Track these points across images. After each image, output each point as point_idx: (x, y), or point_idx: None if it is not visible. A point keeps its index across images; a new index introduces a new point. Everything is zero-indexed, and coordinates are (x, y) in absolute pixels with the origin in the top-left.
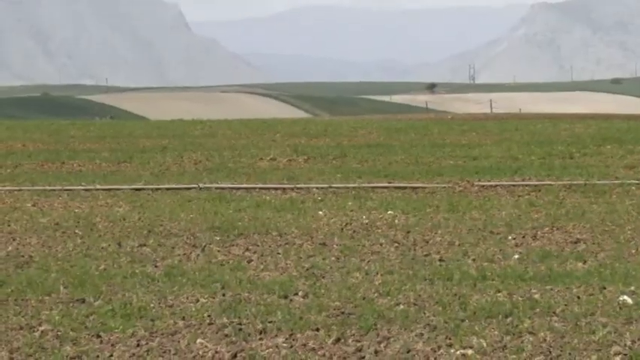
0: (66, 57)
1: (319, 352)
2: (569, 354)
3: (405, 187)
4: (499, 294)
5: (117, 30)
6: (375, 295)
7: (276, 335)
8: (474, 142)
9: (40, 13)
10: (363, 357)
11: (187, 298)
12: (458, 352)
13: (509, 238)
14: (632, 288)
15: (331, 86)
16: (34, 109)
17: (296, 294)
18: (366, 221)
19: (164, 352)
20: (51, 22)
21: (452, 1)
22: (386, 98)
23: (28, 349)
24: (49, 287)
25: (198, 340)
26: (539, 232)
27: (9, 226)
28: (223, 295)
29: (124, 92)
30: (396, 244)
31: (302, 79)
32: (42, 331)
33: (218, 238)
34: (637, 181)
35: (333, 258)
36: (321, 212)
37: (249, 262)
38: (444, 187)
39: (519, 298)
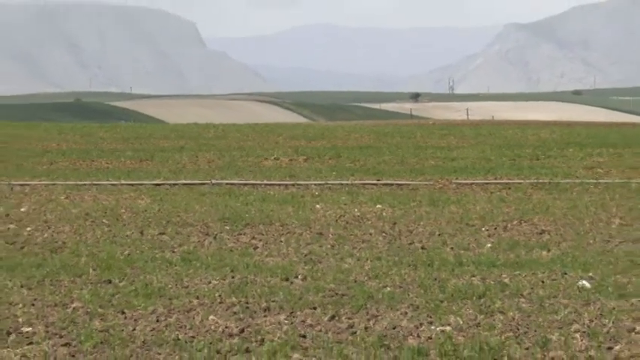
0: (96, 68)
1: (316, 328)
2: (535, 331)
3: (391, 184)
4: (474, 278)
5: (140, 44)
6: (366, 278)
7: (278, 313)
8: (452, 145)
9: (74, 30)
10: (355, 332)
11: (201, 279)
12: (437, 329)
13: (483, 229)
14: (590, 274)
15: (328, 95)
16: (68, 113)
17: (296, 277)
18: (358, 214)
19: (180, 327)
20: (83, 37)
21: (435, 22)
22: (376, 106)
23: (61, 323)
24: (79, 270)
25: (211, 317)
26: (509, 225)
27: (45, 215)
28: (232, 277)
29: (145, 99)
30: (384, 234)
31: (302, 88)
32: (73, 308)
33: (228, 228)
34: (595, 180)
35: (328, 246)
36: (318, 206)
37: (255, 248)
38: (426, 184)
39: (491, 282)
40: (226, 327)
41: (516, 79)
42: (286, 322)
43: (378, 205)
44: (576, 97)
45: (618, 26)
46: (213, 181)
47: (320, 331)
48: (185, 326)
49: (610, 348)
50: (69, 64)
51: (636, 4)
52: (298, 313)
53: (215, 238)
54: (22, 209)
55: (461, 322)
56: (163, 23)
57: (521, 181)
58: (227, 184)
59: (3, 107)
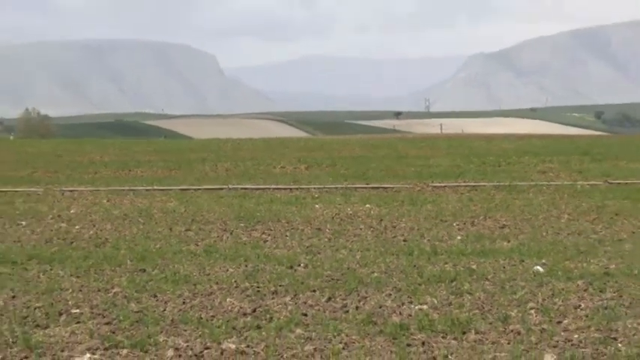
0: (133, 93)
1: (315, 308)
2: (497, 308)
3: (378, 187)
4: (446, 265)
5: (169, 73)
6: (357, 266)
7: (284, 295)
8: (428, 154)
9: (114, 62)
10: (347, 311)
11: (220, 268)
12: (416, 307)
13: (454, 224)
14: (543, 261)
15: (325, 114)
16: (109, 131)
17: (299, 265)
18: (350, 212)
19: (203, 307)
20: (122, 68)
21: (413, 53)
22: (365, 123)
23: (103, 305)
24: (119, 261)
25: (228, 299)
26: (475, 220)
27: (90, 216)
28: (246, 266)
29: (174, 119)
30: (372, 229)
31: (304, 109)
32: (114, 293)
33: (242, 225)
34: (547, 183)
35: (326, 239)
36: (317, 206)
37: (264, 242)
38: (407, 187)
39: (461, 268)
40: (241, 307)
41: (481, 100)
42: (291, 302)
43: (367, 205)
44: (532, 113)
45: (562, 55)
46: (230, 186)
47: (319, 310)
48: (207, 307)
49: (560, 322)
50: (110, 90)
51: (575, 38)
52: (301, 295)
53: (232, 233)
54: (72, 211)
55: (435, 302)
56: (188, 56)
57: (486, 184)
58: (241, 188)
59: (56, 127)
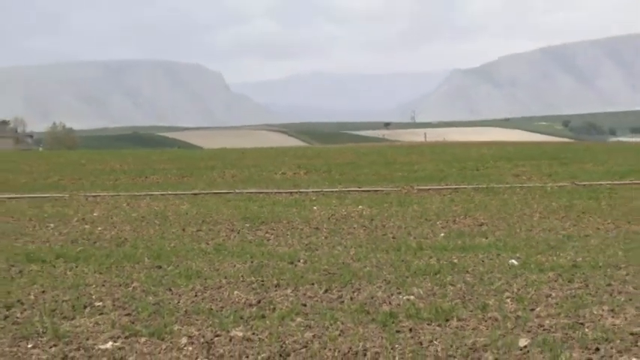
0: (148, 107)
1: (314, 299)
2: (477, 298)
3: (369, 190)
4: (431, 259)
5: (180, 90)
6: (351, 261)
7: (286, 288)
8: (414, 160)
9: (131, 80)
10: (343, 301)
11: (228, 264)
12: (404, 298)
13: (438, 222)
14: (517, 255)
15: (322, 125)
16: (127, 142)
17: (299, 261)
18: (345, 213)
19: (213, 299)
20: (139, 85)
21: (400, 68)
22: (357, 132)
23: (124, 298)
24: (137, 258)
25: (235, 292)
26: (457, 219)
27: (111, 218)
28: (251, 262)
29: (185, 130)
30: (364, 228)
31: (303, 120)
32: (133, 287)
33: (248, 225)
34: (520, 185)
35: (323, 237)
36: (315, 207)
37: (268, 240)
38: (395, 190)
39: (444, 262)
40: (247, 299)
41: (461, 111)
42: (292, 294)
43: (360, 206)
44: (506, 122)
45: (534, 70)
46: (237, 191)
47: (317, 301)
48: (216, 299)
49: (533, 309)
50: (127, 105)
51: (545, 54)
52: (300, 287)
53: (238, 232)
54: (95, 214)
55: (421, 292)
56: (198, 74)
57: (466, 186)
58: (247, 192)
59: (80, 139)
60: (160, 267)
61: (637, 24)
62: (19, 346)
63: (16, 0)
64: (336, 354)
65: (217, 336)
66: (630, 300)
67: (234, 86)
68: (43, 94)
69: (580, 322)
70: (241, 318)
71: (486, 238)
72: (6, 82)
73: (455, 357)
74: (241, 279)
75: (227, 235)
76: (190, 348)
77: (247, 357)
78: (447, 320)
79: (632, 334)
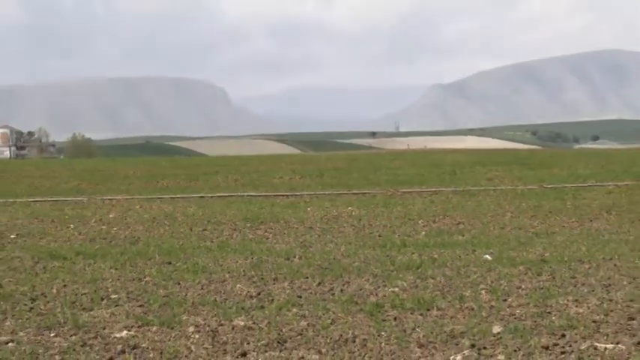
0: (158, 119)
1: (308, 291)
2: (454, 289)
3: (358, 193)
4: (413, 255)
5: (188, 103)
6: (341, 257)
7: (283, 281)
8: (398, 166)
9: (143, 94)
10: (334, 293)
11: (231, 260)
12: (389, 290)
13: (419, 222)
14: (491, 250)
15: (315, 135)
16: (140, 150)
17: (294, 257)
18: (335, 214)
19: (217, 292)
20: (150, 99)
21: (384, 83)
22: (347, 141)
23: (137, 291)
24: (149, 255)
25: (238, 285)
26: (436, 219)
27: (125, 219)
28: (252, 258)
29: (192, 140)
30: (353, 227)
31: (298, 130)
32: (145, 281)
33: (249, 225)
34: (493, 188)
35: (316, 236)
36: (309, 209)
37: (267, 238)
38: (381, 192)
39: (425, 257)
40: (248, 291)
41: (440, 122)
42: (288, 287)
43: (349, 208)
44: (480, 132)
45: (505, 85)
46: (245, 194)
47: (311, 293)
48: (220, 292)
49: (505, 300)
50: (140, 117)
51: (515, 70)
52: (296, 281)
53: (240, 232)
54: (111, 215)
55: (405, 285)
56: (203, 88)
57: (444, 189)
58: (248, 195)
59: (97, 148)
60: (170, 263)
61: (598, 43)
62: (42, 334)
63: (40, 25)
64: (328, 340)
65: (221, 325)
66: (592, 291)
67: (235, 99)
68: (64, 108)
69: (547, 311)
70: (243, 308)
71: (463, 235)
72: (31, 97)
73: (435, 343)
74: (243, 273)
75: (230, 234)
76: (197, 336)
77: (248, 344)
78: (428, 310)
79: (594, 321)
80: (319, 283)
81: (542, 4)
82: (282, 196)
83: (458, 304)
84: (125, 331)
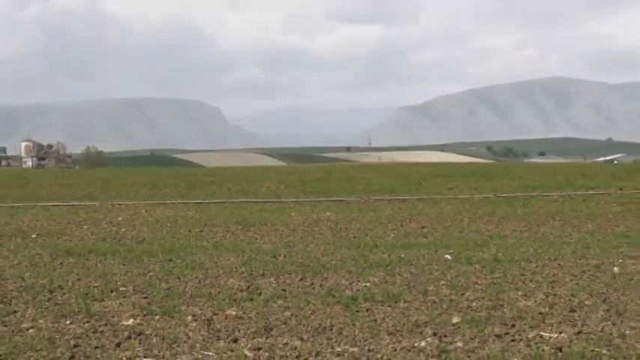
0: (162, 134)
1: (292, 285)
2: (419, 285)
3: (335, 200)
4: (383, 254)
5: (188, 121)
6: (320, 255)
7: (269, 276)
8: (370, 176)
9: (150, 113)
10: (314, 287)
11: (224, 258)
12: (362, 284)
13: (389, 225)
14: (451, 251)
15: (297, 149)
16: (146, 162)
17: (280, 255)
18: (316, 218)
19: (212, 286)
20: (155, 117)
21: (358, 105)
22: (326, 155)
23: (142, 285)
24: (153, 253)
25: (230, 280)
26: (404, 223)
27: (132, 222)
28: (243, 256)
29: (192, 153)
30: (331, 229)
31: (283, 145)
32: (149, 276)
33: (240, 227)
34: (453, 196)
35: (299, 237)
36: (292, 214)
37: (256, 239)
38: (356, 200)
39: (394, 257)
40: (239, 285)
41: (406, 139)
42: (274, 282)
43: (328, 213)
44: (442, 147)
45: (464, 107)
46: (232, 200)
47: (294, 287)
48: (215, 285)
49: (463, 294)
50: (146, 133)
51: (473, 94)
52: (281, 276)
53: (232, 233)
54: (119, 218)
55: (376, 281)
56: (201, 108)
57: (411, 197)
58: (240, 201)
59: (108, 159)
60: (171, 260)
61: (543, 71)
62: (59, 322)
63: (59, 52)
64: (309, 329)
65: (216, 314)
66: (539, 287)
67: (229, 118)
68: (79, 124)
69: (500, 304)
70: (234, 300)
71: (427, 238)
72: (51, 115)
73: (402, 331)
74: (234, 269)
75: (223, 235)
76: (194, 324)
77: (239, 331)
78: (396, 302)
79: (540, 313)
80: (301, 279)
81: (495, 38)
82: (269, 202)
83: (422, 297)
84: (132, 320)
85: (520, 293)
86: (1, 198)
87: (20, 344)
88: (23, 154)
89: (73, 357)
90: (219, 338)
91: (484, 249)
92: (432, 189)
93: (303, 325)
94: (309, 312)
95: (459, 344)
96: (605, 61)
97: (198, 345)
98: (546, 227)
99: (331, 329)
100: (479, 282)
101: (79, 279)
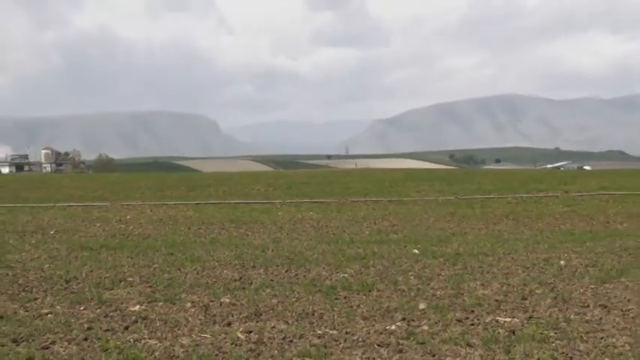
0: (165, 143)
1: (279, 276)
2: (390, 276)
3: (317, 202)
4: (359, 249)
5: (188, 131)
6: (304, 250)
7: (259, 268)
8: (348, 181)
9: (154, 124)
10: (298, 278)
11: (220, 252)
12: (341, 275)
13: (364, 224)
14: (418, 246)
15: (284, 157)
16: (150, 167)
17: (268, 250)
18: (300, 217)
19: (209, 276)
20: (159, 128)
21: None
22: (309, 161)
23: (147, 275)
24: (157, 248)
25: (224, 271)
26: (377, 221)
27: (139, 220)
28: (236, 250)
29: (191, 159)
30: (313, 227)
31: (271, 153)
32: (154, 268)
33: (234, 225)
34: (421, 198)
35: (285, 234)
36: (280, 213)
37: (247, 235)
38: (335, 201)
39: (368, 251)
40: (232, 276)
41: (380, 147)
42: (263, 273)
43: (311, 213)
44: (411, 155)
45: (430, 120)
46: (226, 202)
47: (281, 277)
48: (211, 276)
49: (428, 283)
50: (151, 142)
51: (438, 109)
52: (269, 268)
53: (227, 230)
54: (127, 217)
55: (352, 272)
56: (200, 120)
57: (383, 199)
58: (233, 202)
59: (117, 165)
60: (173, 254)
61: (499, 88)
62: (74, 308)
63: (75, 69)
64: (293, 314)
65: (212, 302)
66: (495, 277)
67: (224, 129)
68: (92, 134)
69: (460, 292)
70: (228, 289)
71: (397, 234)
72: (68, 126)
73: (375, 316)
74: (228, 262)
75: (219, 232)
76: (193, 310)
77: (232, 316)
78: (370, 291)
79: (496, 300)
80: (287, 270)
81: (457, 59)
82: (259, 203)
83: (393, 286)
84: (138, 306)
85: (478, 283)
86: (23, 199)
87: (40, 327)
88: (43, 161)
89: (86, 339)
90: (214, 322)
91: (447, 244)
92: (401, 192)
93: (289, 311)
94: (294, 299)
95: (425, 327)
96: (552, 80)
97: (196, 328)
98: (501, 225)
99: (313, 314)
100: (442, 273)
101: (91, 270)
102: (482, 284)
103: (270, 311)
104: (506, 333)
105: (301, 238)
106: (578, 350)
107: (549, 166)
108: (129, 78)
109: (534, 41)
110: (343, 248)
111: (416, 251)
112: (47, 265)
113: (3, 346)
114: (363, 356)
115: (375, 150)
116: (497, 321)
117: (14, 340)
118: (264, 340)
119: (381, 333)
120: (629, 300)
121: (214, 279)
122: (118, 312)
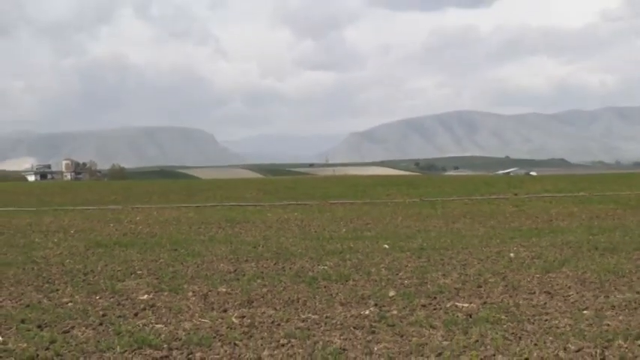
0: (169, 154)
1: (268, 268)
2: (364, 268)
3: (301, 204)
4: (337, 245)
5: (189, 144)
6: (290, 245)
7: (251, 262)
8: (328, 186)
9: (158, 138)
10: (285, 270)
11: (217, 248)
12: (321, 267)
13: (341, 223)
14: (388, 241)
15: (273, 165)
16: (157, 175)
17: (259, 246)
18: (286, 217)
19: (208, 269)
20: (163, 141)
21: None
22: (294, 169)
23: (154, 269)
24: (162, 244)
25: (221, 264)
26: (353, 220)
27: (147, 221)
28: (231, 246)
29: (192, 168)
30: (298, 226)
31: (261, 162)
32: (160, 262)
33: (229, 225)
34: (390, 200)
35: (273, 232)
36: (269, 214)
37: (241, 233)
38: (317, 204)
39: (345, 246)
40: (228, 269)
41: (355, 157)
42: (255, 266)
43: (295, 213)
44: (382, 163)
45: (398, 134)
46: (223, 204)
47: (270, 270)
48: (210, 269)
49: (397, 274)
50: (157, 153)
51: (406, 123)
52: (260, 262)
53: (223, 229)
54: (137, 218)
55: (331, 264)
56: (199, 134)
57: (358, 201)
58: (228, 205)
59: (128, 173)
60: (176, 250)
61: (458, 105)
62: (91, 297)
63: (91, 89)
64: (281, 301)
65: (210, 291)
66: (454, 269)
67: (220, 142)
68: (106, 146)
69: (425, 281)
70: (224, 280)
71: (370, 232)
72: (85, 139)
73: (351, 303)
74: (224, 257)
75: (216, 231)
76: (194, 298)
77: (228, 303)
78: (347, 281)
79: (455, 288)
80: (275, 263)
81: (421, 80)
82: (251, 205)
83: (366, 277)
84: (146, 295)
85: (440, 273)
86: (47, 203)
87: (61, 314)
88: (64, 170)
89: (101, 324)
90: (212, 309)
91: (413, 240)
92: (374, 195)
93: (277, 299)
94: (281, 288)
95: (394, 312)
96: (502, 97)
97: (197, 314)
98: (459, 224)
99: (298, 301)
100: (409, 265)
101: (106, 265)
102: (444, 274)
103: (261, 299)
104: (464, 316)
105: (287, 236)
106: (526, 331)
107: (500, 172)
108: (138, 97)
109: (487, 64)
110: (324, 244)
111: (386, 246)
112: (68, 260)
113: (29, 330)
114: (341, 337)
115: (351, 159)
116: (456, 306)
117: (39, 326)
118: (256, 323)
119: (357, 317)
120: (569, 287)
121: (212, 271)
122: (129, 300)
